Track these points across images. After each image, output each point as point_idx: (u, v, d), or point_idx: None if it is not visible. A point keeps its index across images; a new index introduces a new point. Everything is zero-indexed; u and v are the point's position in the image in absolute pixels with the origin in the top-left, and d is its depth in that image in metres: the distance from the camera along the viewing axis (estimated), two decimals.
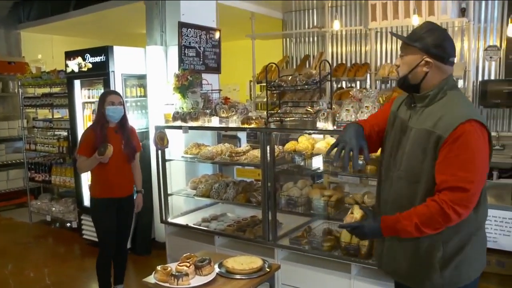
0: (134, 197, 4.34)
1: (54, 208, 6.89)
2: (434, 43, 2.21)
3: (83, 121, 6.00)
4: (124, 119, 4.14)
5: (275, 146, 4.24)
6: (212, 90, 5.24)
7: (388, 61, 7.01)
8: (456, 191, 2.03)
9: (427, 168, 2.16)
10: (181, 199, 5.19)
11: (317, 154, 4.10)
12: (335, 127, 3.68)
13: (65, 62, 6.00)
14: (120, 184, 4.11)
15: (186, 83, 5.02)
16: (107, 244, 4.16)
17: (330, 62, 7.00)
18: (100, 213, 4.13)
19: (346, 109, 3.73)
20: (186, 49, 5.44)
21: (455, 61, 2.31)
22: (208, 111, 4.72)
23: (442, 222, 2.07)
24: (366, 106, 3.63)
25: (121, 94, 4.23)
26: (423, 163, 2.18)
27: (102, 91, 5.51)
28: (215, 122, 4.56)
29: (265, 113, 4.25)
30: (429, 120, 2.19)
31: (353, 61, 7.31)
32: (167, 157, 4.94)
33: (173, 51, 5.49)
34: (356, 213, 2.28)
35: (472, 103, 2.25)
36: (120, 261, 4.35)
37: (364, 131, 2.43)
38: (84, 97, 5.98)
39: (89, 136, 4.04)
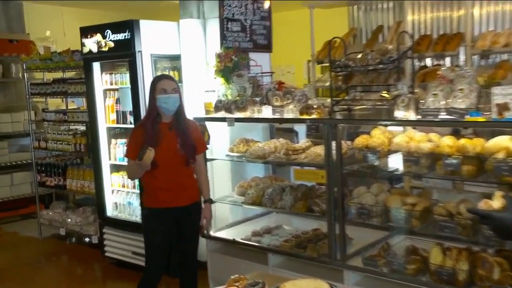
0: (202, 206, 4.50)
1: (69, 220, 7.15)
2: None
3: (105, 112, 6.31)
4: (180, 110, 4.27)
5: (342, 142, 4.33)
6: (262, 73, 5.39)
7: (491, 27, 6.87)
8: None
9: None
10: (226, 207, 5.37)
11: (396, 152, 4.11)
12: (419, 116, 3.74)
13: (81, 40, 6.26)
14: (177, 191, 4.25)
15: (230, 65, 5.19)
16: (154, 265, 4.35)
17: (410, 33, 6.98)
18: (151, 226, 4.31)
19: (433, 94, 3.76)
20: (229, 23, 5.60)
21: None
22: (258, 99, 4.87)
23: None
24: (460, 89, 3.65)
25: (174, 78, 4.38)
26: None
27: (127, 75, 5.80)
28: (266, 112, 4.70)
29: (328, 100, 4.35)
30: None
31: (441, 31, 7.25)
32: (208, 156, 5.10)
33: (213, 25, 5.66)
34: (496, 201, 2.21)
35: None
36: (188, 286, 4.54)
37: None
38: (106, 83, 6.26)
39: (138, 135, 4.20)
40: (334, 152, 4.18)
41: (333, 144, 4.17)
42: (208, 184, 4.58)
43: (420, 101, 3.82)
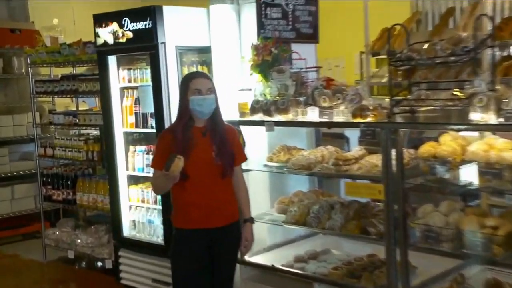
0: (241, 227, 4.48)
1: (79, 240, 7.19)
2: None
3: (122, 114, 6.33)
4: (216, 113, 4.27)
5: (404, 150, 4.28)
6: (307, 68, 5.38)
7: None
8: None
9: None
10: (264, 227, 5.35)
11: (471, 162, 4.05)
12: (501, 119, 3.66)
13: (94, 30, 6.31)
14: (211, 208, 4.23)
15: (269, 59, 5.18)
16: None
17: (490, 16, 6.82)
18: (179, 250, 4.30)
19: None
20: (268, 8, 5.59)
21: None
22: (302, 99, 4.85)
23: None
24: None
25: (209, 76, 4.40)
26: None
27: (148, 71, 5.83)
28: (312, 115, 4.68)
29: (387, 100, 4.31)
30: None
31: None
32: (243, 167, 5.07)
33: (249, 11, 5.64)
34: None
35: None
36: None
37: None
38: (123, 81, 6.30)
39: (166, 142, 4.23)
40: (393, 162, 4.14)
41: (393, 152, 4.13)
42: (248, 200, 4.55)
43: (503, 100, 3.74)
